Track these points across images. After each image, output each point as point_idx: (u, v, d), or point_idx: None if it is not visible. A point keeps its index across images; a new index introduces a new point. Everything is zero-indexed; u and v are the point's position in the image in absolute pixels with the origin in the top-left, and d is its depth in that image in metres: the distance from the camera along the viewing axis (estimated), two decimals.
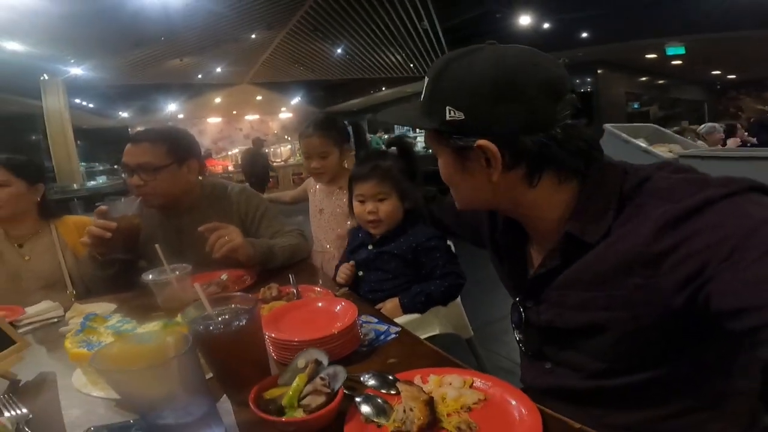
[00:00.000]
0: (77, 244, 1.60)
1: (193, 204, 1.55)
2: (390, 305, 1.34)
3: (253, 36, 9.69)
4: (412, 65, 11.01)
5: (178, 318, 0.76)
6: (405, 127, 15.71)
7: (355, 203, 1.45)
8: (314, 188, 1.98)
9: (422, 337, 0.98)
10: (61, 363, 0.88)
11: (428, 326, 1.37)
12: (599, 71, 12.18)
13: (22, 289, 1.49)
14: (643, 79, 14.25)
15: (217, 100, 16.20)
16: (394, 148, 1.51)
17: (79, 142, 10.12)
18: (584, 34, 8.76)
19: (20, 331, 1.09)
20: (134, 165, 1.42)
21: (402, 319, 1.28)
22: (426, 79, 0.69)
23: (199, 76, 13.04)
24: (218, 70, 12.52)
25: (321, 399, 0.60)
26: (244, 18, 8.10)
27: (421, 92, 0.71)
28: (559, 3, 7.72)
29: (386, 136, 11.59)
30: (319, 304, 1.00)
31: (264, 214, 1.60)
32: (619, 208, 0.64)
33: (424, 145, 11.99)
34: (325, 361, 0.68)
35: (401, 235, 1.42)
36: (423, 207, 1.50)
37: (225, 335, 0.66)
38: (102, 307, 1.17)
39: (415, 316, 1.33)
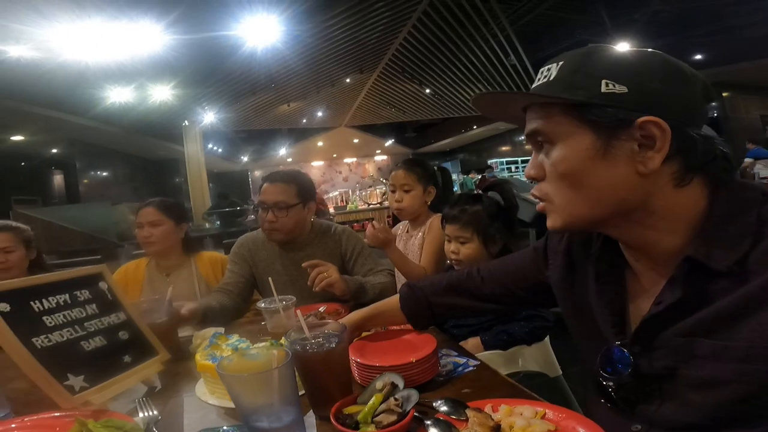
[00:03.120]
0: (210, 276, 1.90)
1: (306, 241, 1.77)
2: (471, 343, 1.37)
3: (348, 80, 10.35)
4: None
5: (282, 340, 0.90)
6: (502, 168, 15.39)
7: (445, 241, 1.55)
8: (399, 234, 2.07)
9: (504, 373, 0.99)
10: (188, 375, 1.04)
11: (511, 363, 1.37)
12: (725, 94, 10.98)
13: None
14: None
15: (320, 143, 17.25)
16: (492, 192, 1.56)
17: (210, 184, 11.31)
18: (698, 57, 8.01)
19: None
20: (271, 202, 1.66)
21: (484, 355, 1.30)
22: (559, 63, 0.64)
23: (304, 120, 14.01)
24: (319, 114, 13.40)
25: (392, 417, 0.67)
26: (339, 63, 8.75)
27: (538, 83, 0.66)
28: (663, 26, 7.23)
29: (478, 176, 11.45)
30: (403, 336, 1.06)
31: (360, 253, 1.79)
32: (758, 235, 0.56)
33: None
34: (400, 384, 0.75)
35: None
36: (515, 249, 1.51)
37: (317, 355, 0.78)
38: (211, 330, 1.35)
39: (497, 352, 1.35)
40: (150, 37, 5.46)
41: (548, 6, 7.36)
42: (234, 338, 0.98)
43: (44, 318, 0.83)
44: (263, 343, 0.92)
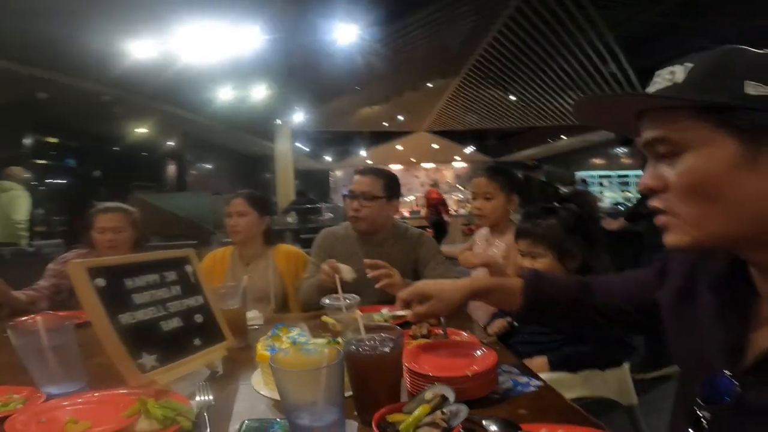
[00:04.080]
0: (284, 268, 2.01)
1: (384, 238, 1.85)
2: (537, 362, 1.30)
3: (429, 85, 10.43)
4: None
5: (339, 338, 0.92)
6: (593, 182, 14.22)
7: (519, 254, 1.49)
8: (477, 243, 2.05)
9: (569, 396, 0.93)
10: (248, 363, 1.07)
11: (580, 387, 1.27)
12: None
13: None
14: None
15: (399, 147, 17.40)
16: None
17: (296, 181, 11.94)
18: None
19: None
20: (359, 192, 1.78)
21: (550, 376, 1.22)
22: (685, 64, 0.59)
23: (385, 123, 14.35)
24: (400, 118, 13.66)
25: (436, 431, 0.64)
26: (422, 67, 8.82)
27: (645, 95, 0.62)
28: None
29: (564, 189, 10.81)
30: (463, 347, 1.05)
31: (432, 257, 1.83)
32: None
33: (613, 200, 10.52)
34: (451, 397, 0.71)
35: None
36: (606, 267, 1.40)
37: (369, 358, 0.78)
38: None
39: (566, 374, 1.26)
40: (251, 41, 5.92)
41: (657, 12, 6.73)
42: (295, 331, 1.02)
43: (133, 295, 0.91)
44: (321, 339, 0.95)
